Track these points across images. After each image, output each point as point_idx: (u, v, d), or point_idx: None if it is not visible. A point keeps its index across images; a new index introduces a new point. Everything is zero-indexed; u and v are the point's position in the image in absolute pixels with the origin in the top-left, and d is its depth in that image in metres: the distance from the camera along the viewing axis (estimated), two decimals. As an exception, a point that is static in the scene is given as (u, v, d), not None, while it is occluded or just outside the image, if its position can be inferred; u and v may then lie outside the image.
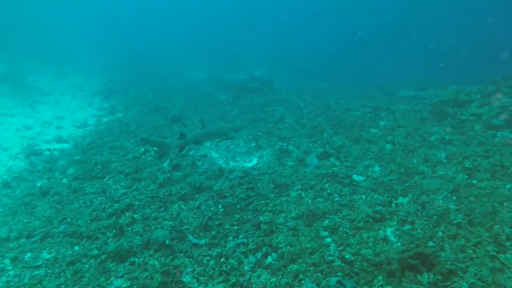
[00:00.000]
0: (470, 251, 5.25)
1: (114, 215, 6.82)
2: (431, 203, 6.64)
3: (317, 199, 7.18)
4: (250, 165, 9.57)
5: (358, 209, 6.63)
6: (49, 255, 5.92)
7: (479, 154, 8.55)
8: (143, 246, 5.86)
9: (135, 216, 6.82)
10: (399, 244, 5.50)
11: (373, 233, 5.83)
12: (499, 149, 8.78)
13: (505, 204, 6.40)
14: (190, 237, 6.08)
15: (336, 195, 7.23)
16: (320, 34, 49.02)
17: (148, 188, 8.09)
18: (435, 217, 6.15)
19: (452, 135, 10.08)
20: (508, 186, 7.05)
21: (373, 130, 11.36)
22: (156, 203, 7.38)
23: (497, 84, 13.74)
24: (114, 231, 6.30)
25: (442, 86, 17.03)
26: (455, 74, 20.78)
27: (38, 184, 8.68)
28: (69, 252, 5.98)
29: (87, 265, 5.61)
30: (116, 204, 7.27)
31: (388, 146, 9.68)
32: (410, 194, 7.08)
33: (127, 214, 6.85)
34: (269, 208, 6.95)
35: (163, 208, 7.18)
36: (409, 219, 6.17)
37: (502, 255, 5.14)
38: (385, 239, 5.70)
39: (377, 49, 37.68)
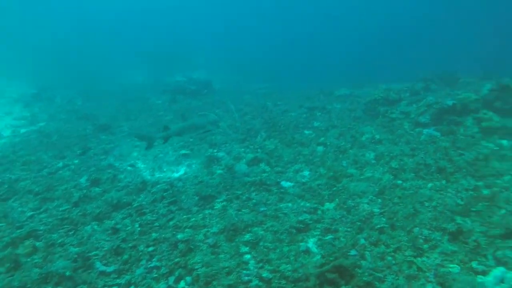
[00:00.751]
0: (389, 257, 5.22)
1: (11, 245, 6.08)
2: (356, 207, 6.61)
3: (242, 210, 6.90)
4: (177, 175, 9.12)
5: (283, 219, 6.44)
6: None
7: (405, 153, 8.76)
8: (41, 280, 5.22)
9: (37, 244, 6.13)
10: (319, 256, 5.34)
11: (294, 246, 5.64)
12: (424, 147, 9.06)
13: (426, 204, 6.52)
14: (98, 264, 5.55)
15: (262, 205, 7.00)
16: (265, 35, 49.20)
17: (60, 209, 7.38)
18: (358, 223, 6.10)
19: (383, 134, 10.28)
20: (429, 185, 7.22)
21: (307, 132, 11.33)
22: (66, 226, 6.72)
23: (426, 82, 14.38)
24: (8, 264, 5.59)
25: (376, 84, 17.48)
26: (391, 72, 21.53)
27: None
28: None
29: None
30: (18, 231, 6.51)
31: (320, 148, 9.66)
32: (337, 199, 7.01)
33: (27, 243, 6.13)
34: (191, 224, 6.56)
35: (72, 232, 6.55)
36: (333, 227, 6.06)
37: (419, 259, 5.17)
38: (307, 251, 5.53)
39: (319, 49, 38.57)
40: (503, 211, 6.26)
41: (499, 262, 4.98)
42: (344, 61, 30.89)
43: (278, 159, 9.26)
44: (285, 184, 7.84)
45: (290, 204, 7.02)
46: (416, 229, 5.76)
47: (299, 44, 42.79)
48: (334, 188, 7.44)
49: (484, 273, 4.74)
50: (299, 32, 46.43)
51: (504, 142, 9.29)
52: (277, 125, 12.16)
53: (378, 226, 5.94)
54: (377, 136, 9.99)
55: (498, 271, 4.63)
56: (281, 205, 7.00)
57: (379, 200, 6.82)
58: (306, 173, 8.35)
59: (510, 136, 9.56)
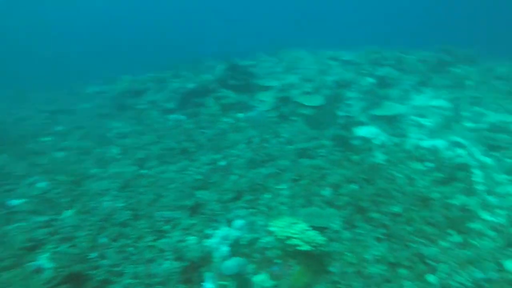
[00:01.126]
0: (130, 248, 5.37)
1: None
2: (98, 207, 6.49)
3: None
4: None
5: (10, 242, 5.73)
6: None
7: (152, 142, 9.12)
8: None
9: None
10: (51, 271, 5.01)
11: (21, 269, 5.11)
12: (170, 132, 9.66)
13: (169, 186, 6.99)
14: None
15: (-19, 234, 6.04)
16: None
17: None
18: (100, 223, 6.02)
19: (131, 127, 10.41)
20: (172, 167, 7.77)
21: (45, 139, 10.37)
22: None
23: (175, 69, 15.23)
24: None
25: (125, 77, 17.48)
26: (140, 63, 21.93)
27: None
28: None
29: None
30: None
31: (61, 154, 9.03)
32: (77, 204, 6.71)
33: None
34: None
35: None
36: (70, 235, 5.79)
37: (160, 241, 5.51)
38: (39, 269, 5.10)
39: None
40: (235, 177, 7.34)
41: (229, 223, 5.83)
42: (92, 56, 29.68)
43: (7, 176, 8.16)
44: (15, 202, 6.98)
45: (22, 223, 6.30)
46: (157, 214, 6.11)
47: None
48: (75, 193, 7.10)
49: (211, 236, 5.45)
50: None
51: (240, 115, 10.83)
52: (8, 137, 10.67)
53: (121, 220, 6.02)
54: (125, 130, 10.06)
55: (223, 231, 5.41)
56: (9, 227, 6.20)
57: (124, 194, 6.90)
58: (43, 184, 7.65)
59: (245, 109, 11.21)
